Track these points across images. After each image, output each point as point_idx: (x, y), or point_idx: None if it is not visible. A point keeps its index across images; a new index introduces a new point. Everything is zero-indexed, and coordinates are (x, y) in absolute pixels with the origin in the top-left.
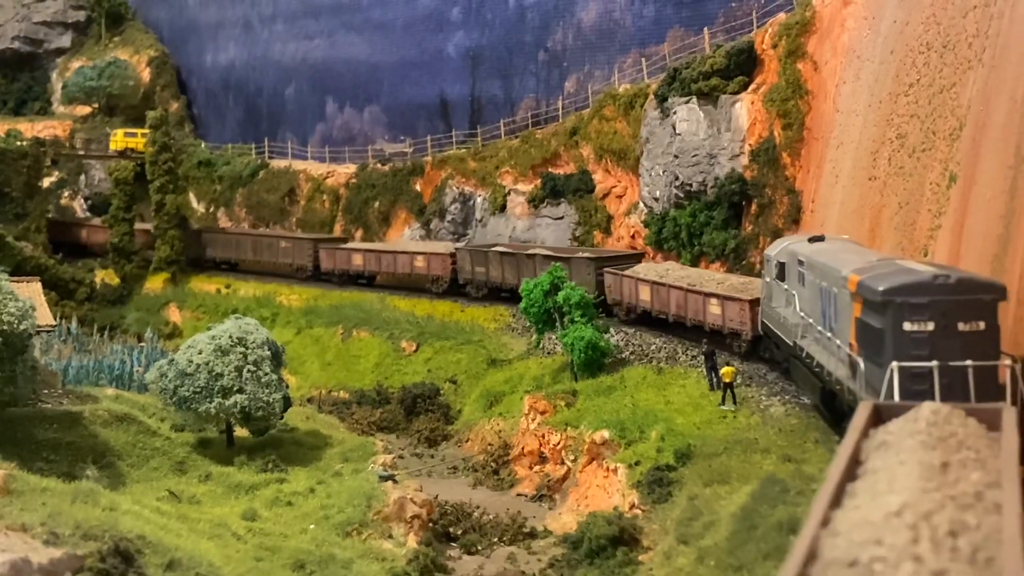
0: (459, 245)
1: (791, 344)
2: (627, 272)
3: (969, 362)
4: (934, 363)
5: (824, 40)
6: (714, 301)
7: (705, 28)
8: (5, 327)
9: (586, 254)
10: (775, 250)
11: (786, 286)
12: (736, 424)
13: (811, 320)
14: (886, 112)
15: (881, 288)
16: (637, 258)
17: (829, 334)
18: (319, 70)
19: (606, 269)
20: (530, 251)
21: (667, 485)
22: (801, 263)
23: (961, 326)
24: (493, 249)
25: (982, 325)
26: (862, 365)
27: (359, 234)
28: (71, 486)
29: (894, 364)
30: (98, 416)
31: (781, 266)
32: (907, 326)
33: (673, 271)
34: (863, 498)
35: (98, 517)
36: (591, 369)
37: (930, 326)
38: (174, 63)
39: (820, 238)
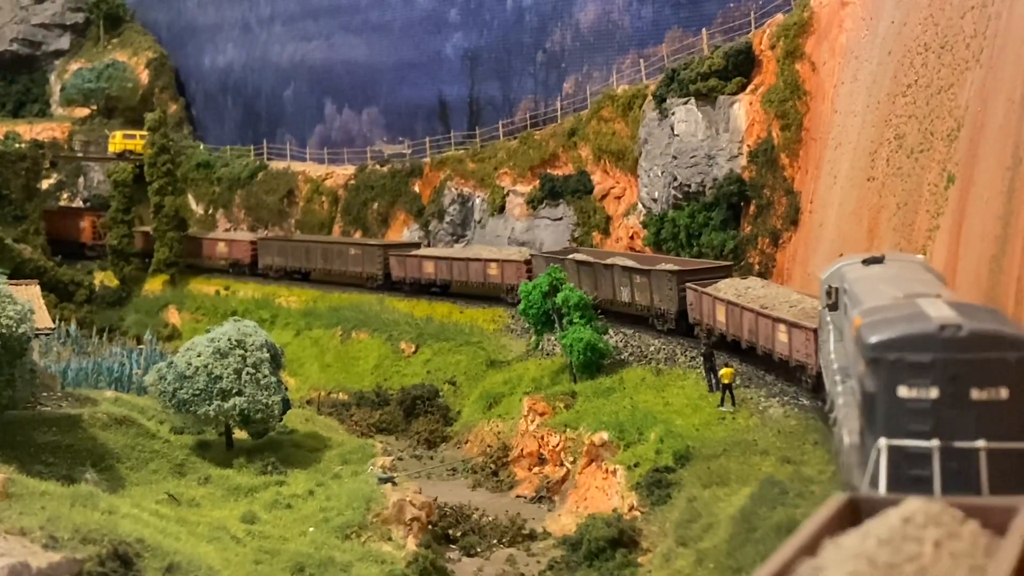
0: (535, 251)
1: (828, 399)
2: (707, 289)
3: (982, 442)
4: (935, 442)
5: (822, 41)
6: (782, 327)
7: (703, 29)
8: (4, 330)
9: (668, 266)
10: (827, 272)
11: (828, 319)
12: (735, 426)
13: (844, 369)
14: (884, 113)
15: (872, 340)
16: (725, 271)
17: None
18: (317, 72)
19: (688, 284)
20: (608, 261)
21: (666, 487)
22: (845, 291)
23: (975, 393)
24: (570, 257)
25: (1004, 393)
26: (846, 440)
27: (357, 234)
28: (70, 489)
29: (882, 442)
30: (97, 419)
31: (829, 293)
32: (903, 391)
33: (754, 288)
34: None
35: (97, 521)
36: (590, 370)
37: (933, 392)
38: (173, 65)
39: (878, 259)
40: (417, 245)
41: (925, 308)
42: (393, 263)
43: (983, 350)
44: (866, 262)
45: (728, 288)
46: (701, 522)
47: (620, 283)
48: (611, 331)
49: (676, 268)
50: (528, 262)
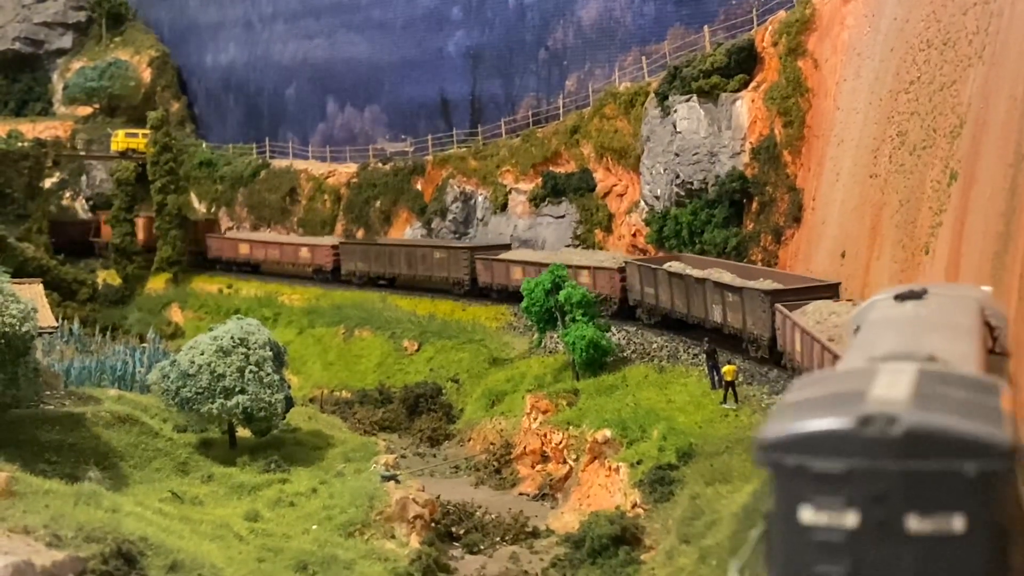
0: (629, 258)
1: None
2: (792, 312)
3: None
4: None
5: (824, 38)
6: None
7: (705, 26)
8: (7, 329)
9: (765, 283)
10: (859, 308)
11: None
12: (738, 423)
13: None
14: (887, 110)
15: (765, 438)
16: (829, 290)
17: None
18: (320, 70)
19: (779, 304)
20: (702, 273)
21: (669, 484)
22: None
23: (913, 523)
24: (664, 267)
25: (957, 523)
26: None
27: (360, 233)
28: (74, 488)
29: None
30: (100, 417)
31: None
32: (808, 515)
33: (840, 313)
34: None
35: (101, 519)
36: (593, 368)
37: (850, 519)
38: (175, 63)
39: (916, 293)
40: (507, 247)
41: (872, 384)
42: (479, 267)
43: (927, 457)
44: (900, 297)
45: (814, 312)
46: (704, 519)
47: (712, 300)
48: (613, 329)
49: (773, 287)
50: (622, 270)
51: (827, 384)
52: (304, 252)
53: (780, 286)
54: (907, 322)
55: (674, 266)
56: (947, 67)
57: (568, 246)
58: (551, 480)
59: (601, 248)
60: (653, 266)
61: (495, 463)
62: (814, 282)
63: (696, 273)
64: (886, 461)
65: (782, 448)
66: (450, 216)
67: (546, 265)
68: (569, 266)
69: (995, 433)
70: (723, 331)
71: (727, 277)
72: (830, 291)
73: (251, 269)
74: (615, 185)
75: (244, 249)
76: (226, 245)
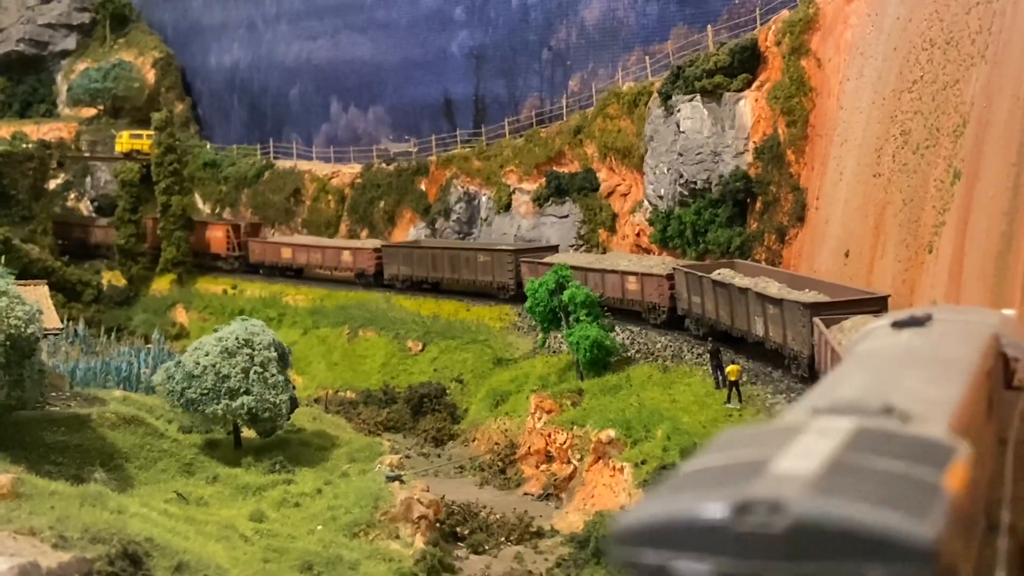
0: (679, 264)
1: None
2: (828, 330)
3: None
4: None
5: (827, 37)
6: None
7: (709, 26)
8: (12, 331)
9: (805, 296)
10: (855, 337)
11: None
12: (741, 422)
13: None
14: (890, 109)
15: (619, 527)
16: (877, 303)
17: None
18: (323, 70)
19: (818, 318)
20: (744, 286)
21: None
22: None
23: None
24: (711, 276)
25: None
26: None
27: (364, 233)
28: (79, 489)
29: None
30: (106, 418)
31: None
32: None
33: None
34: None
35: (106, 520)
36: (597, 368)
37: None
38: (179, 64)
39: (917, 320)
40: (553, 249)
41: (784, 450)
42: (525, 271)
43: (818, 559)
44: (897, 325)
45: (851, 329)
46: None
47: (754, 312)
48: (617, 328)
49: (813, 299)
50: (670, 276)
51: (739, 447)
52: (346, 256)
53: (822, 298)
54: (891, 357)
55: (722, 274)
56: (950, 66)
57: (610, 253)
58: (555, 480)
59: (605, 248)
60: (699, 273)
61: (499, 463)
62: (862, 294)
63: (739, 282)
64: (767, 564)
65: (640, 541)
66: (454, 216)
67: (591, 271)
68: (616, 271)
69: (914, 527)
70: (765, 346)
71: (773, 288)
72: (878, 304)
73: (294, 274)
74: (619, 185)
75: (286, 253)
76: (268, 249)
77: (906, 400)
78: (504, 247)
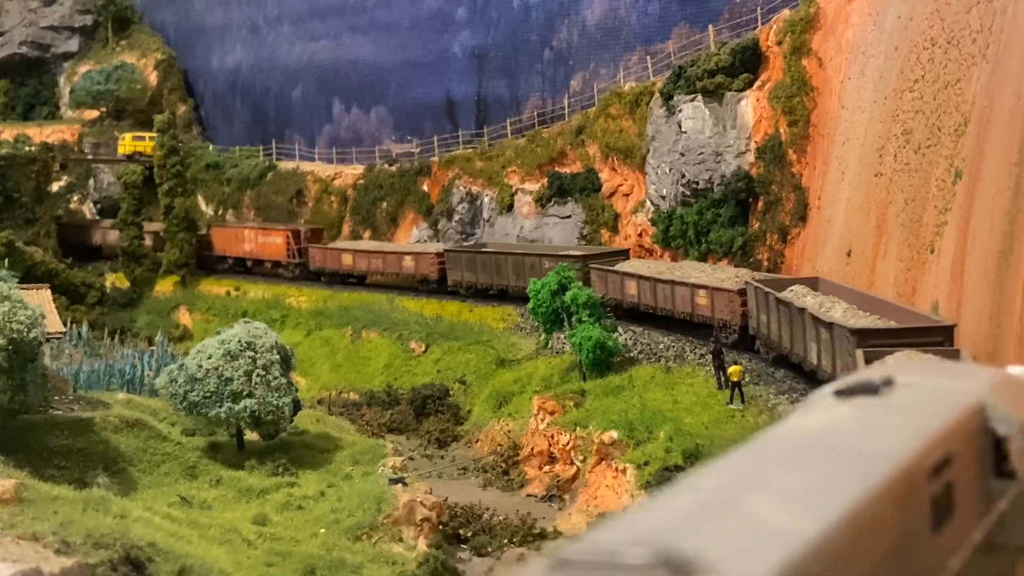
0: (753, 277)
1: None
2: (871, 364)
3: None
4: None
5: (829, 36)
6: None
7: (710, 25)
8: (15, 336)
9: (853, 322)
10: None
11: None
12: (744, 423)
13: None
14: (891, 108)
15: None
16: (939, 333)
17: None
18: (325, 71)
19: (867, 348)
20: (801, 305)
21: None
22: None
23: None
24: (780, 294)
25: None
26: None
27: (367, 235)
28: (82, 494)
29: None
30: (109, 422)
31: None
32: None
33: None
34: None
35: (109, 525)
36: (599, 369)
37: None
38: (181, 66)
39: (870, 387)
40: (623, 254)
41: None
42: (594, 279)
43: None
44: (842, 393)
45: (894, 365)
46: None
47: (809, 336)
48: (620, 329)
49: (861, 325)
50: (743, 292)
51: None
52: (408, 261)
53: (875, 324)
54: (790, 448)
55: (795, 291)
56: (951, 65)
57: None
58: (559, 481)
59: (605, 245)
60: (766, 289)
61: (502, 464)
62: (925, 321)
63: (798, 301)
64: None
65: None
66: (456, 217)
67: (659, 281)
68: (686, 284)
69: None
70: (817, 376)
71: (838, 310)
72: (940, 335)
73: (356, 281)
74: (621, 185)
75: (347, 260)
76: (329, 256)
77: (724, 537)
78: (572, 252)
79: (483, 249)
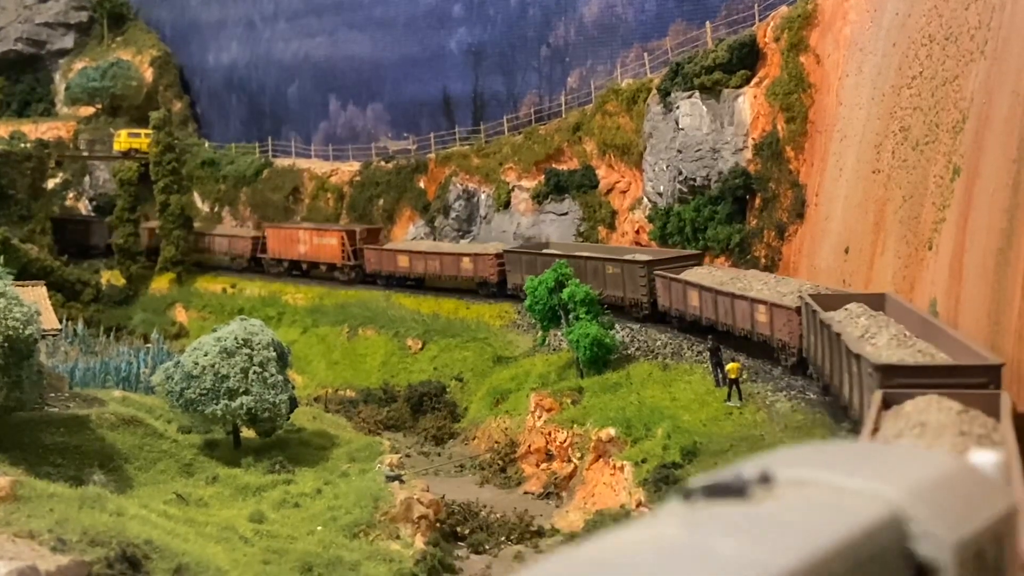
0: (805, 290)
1: None
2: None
3: None
4: None
5: (826, 33)
6: None
7: (707, 22)
8: (10, 332)
9: (881, 354)
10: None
11: None
12: (742, 420)
13: None
14: (889, 105)
15: None
16: (979, 375)
17: None
18: (322, 68)
19: (890, 390)
20: (838, 329)
21: (674, 483)
22: None
23: None
24: (821, 314)
25: None
26: None
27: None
28: (78, 491)
29: None
30: (105, 419)
31: None
32: None
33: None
34: None
35: (105, 523)
36: (597, 366)
37: None
38: (177, 63)
39: (734, 488)
40: (695, 257)
41: None
42: (659, 288)
43: None
44: (692, 495)
45: (909, 416)
46: None
47: (844, 365)
48: (617, 326)
49: (887, 360)
50: (799, 311)
51: None
52: (466, 263)
53: (907, 358)
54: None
55: (849, 310)
56: (949, 62)
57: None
58: (556, 479)
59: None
60: (815, 306)
61: (500, 462)
62: (971, 357)
63: (838, 325)
64: None
65: None
66: (453, 214)
67: (720, 293)
68: (746, 298)
69: None
70: (849, 414)
71: (883, 336)
72: (982, 375)
73: (414, 284)
74: (618, 182)
75: (403, 262)
76: (385, 257)
77: None
78: (636, 257)
79: (542, 251)
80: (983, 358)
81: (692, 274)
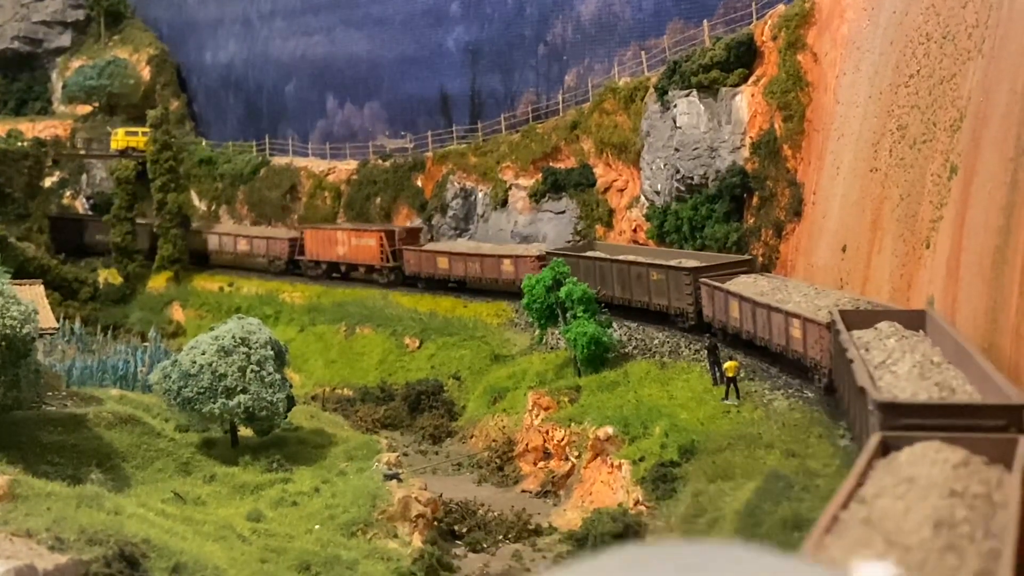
0: (843, 303)
1: None
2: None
3: None
4: None
5: (824, 31)
6: None
7: (705, 20)
8: (8, 332)
9: (899, 390)
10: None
11: None
12: (739, 419)
13: None
14: (886, 103)
15: None
16: (1004, 418)
17: None
18: (319, 66)
19: (893, 427)
20: (851, 356)
21: (671, 481)
22: None
23: None
24: (844, 334)
25: None
26: None
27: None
28: (76, 490)
29: None
30: (102, 418)
31: None
32: None
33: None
34: None
35: (103, 521)
36: (594, 364)
37: None
38: (174, 61)
39: None
40: (743, 264)
41: None
42: (704, 295)
43: None
44: None
45: (903, 466)
46: (707, 517)
47: (859, 400)
48: (615, 324)
49: (891, 399)
50: (831, 327)
51: None
52: (507, 265)
53: (916, 395)
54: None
55: (879, 329)
56: (947, 60)
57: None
58: (553, 477)
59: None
60: (838, 326)
61: (497, 460)
62: (993, 394)
63: (853, 350)
64: None
65: None
66: (450, 212)
67: (758, 304)
68: (780, 311)
69: None
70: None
71: (904, 364)
72: (1003, 416)
73: (456, 286)
74: (615, 180)
75: (443, 263)
76: (424, 259)
77: None
78: (680, 264)
79: (585, 253)
80: (1004, 396)
81: (736, 283)
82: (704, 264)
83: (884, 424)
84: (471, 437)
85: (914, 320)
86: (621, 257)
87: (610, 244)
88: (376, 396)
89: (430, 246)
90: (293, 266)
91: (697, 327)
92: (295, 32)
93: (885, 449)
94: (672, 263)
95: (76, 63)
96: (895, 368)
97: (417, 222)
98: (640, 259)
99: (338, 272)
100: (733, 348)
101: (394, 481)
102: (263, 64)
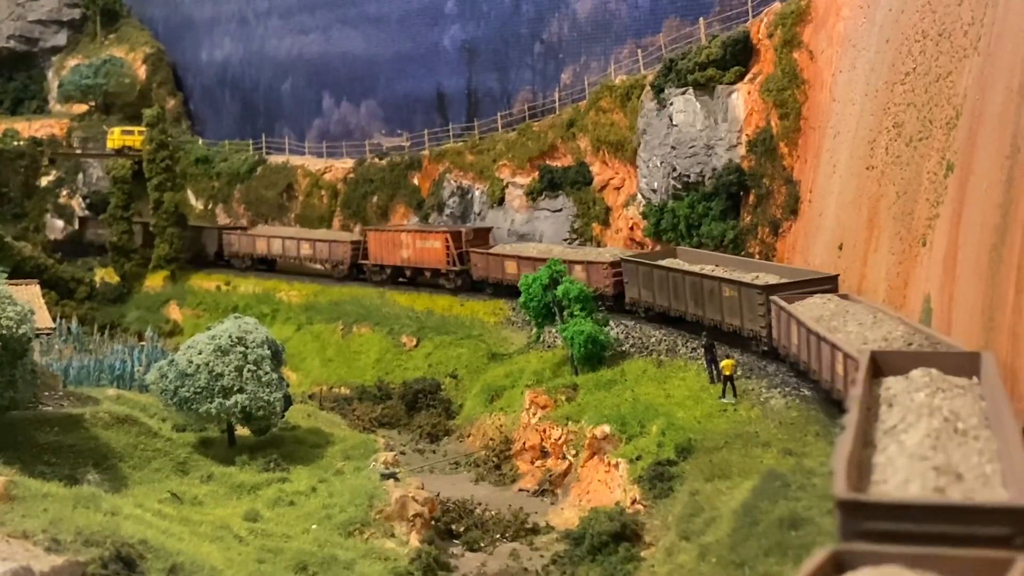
0: (892, 339)
1: None
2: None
3: None
4: None
5: (820, 29)
6: None
7: (701, 18)
8: (4, 331)
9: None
10: None
11: None
12: (736, 417)
13: None
14: (883, 101)
15: None
16: (1011, 525)
17: None
18: (315, 65)
19: (856, 534)
20: (844, 423)
21: (668, 480)
22: None
23: None
24: (854, 393)
25: None
26: None
27: (357, 229)
28: (72, 491)
29: None
30: (99, 418)
31: None
32: None
33: None
34: None
35: (100, 522)
36: (591, 363)
37: None
38: (170, 60)
39: None
40: (827, 283)
41: None
42: (773, 316)
43: None
44: None
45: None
46: (703, 516)
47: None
48: (612, 323)
49: (852, 495)
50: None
51: None
52: (578, 271)
53: (877, 495)
54: None
55: (912, 378)
56: (943, 58)
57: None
58: (551, 476)
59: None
60: (858, 374)
61: (494, 459)
62: (996, 500)
63: (853, 411)
64: None
65: None
66: (447, 211)
67: (813, 332)
68: (826, 340)
69: None
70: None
71: (922, 428)
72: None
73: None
74: (612, 178)
75: (511, 267)
76: (492, 263)
77: None
78: (753, 281)
79: (659, 262)
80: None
81: (805, 304)
82: (784, 280)
83: (844, 530)
84: (468, 436)
85: (967, 365)
86: (696, 269)
87: (691, 250)
88: (373, 395)
89: (496, 249)
90: (357, 271)
91: (771, 354)
92: (291, 30)
93: (838, 568)
94: (747, 278)
95: (72, 62)
96: (904, 436)
97: (414, 221)
98: (713, 272)
99: (403, 277)
100: (797, 383)
101: (391, 480)
102: (259, 62)
